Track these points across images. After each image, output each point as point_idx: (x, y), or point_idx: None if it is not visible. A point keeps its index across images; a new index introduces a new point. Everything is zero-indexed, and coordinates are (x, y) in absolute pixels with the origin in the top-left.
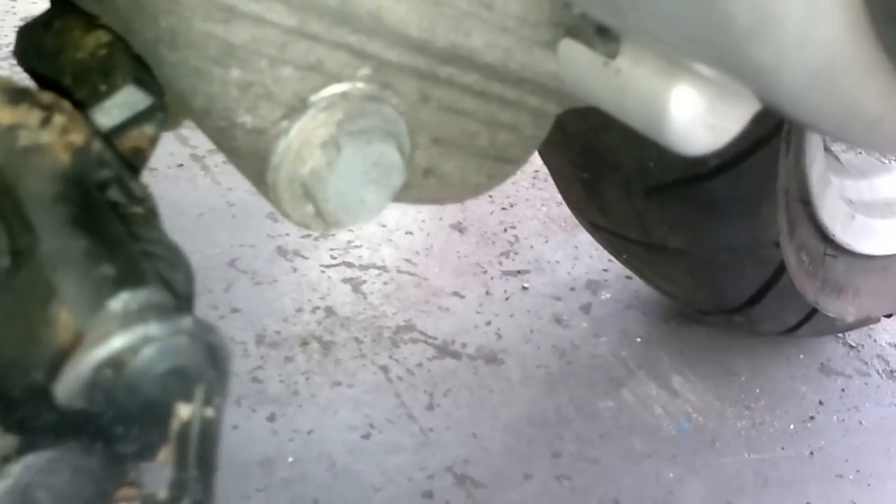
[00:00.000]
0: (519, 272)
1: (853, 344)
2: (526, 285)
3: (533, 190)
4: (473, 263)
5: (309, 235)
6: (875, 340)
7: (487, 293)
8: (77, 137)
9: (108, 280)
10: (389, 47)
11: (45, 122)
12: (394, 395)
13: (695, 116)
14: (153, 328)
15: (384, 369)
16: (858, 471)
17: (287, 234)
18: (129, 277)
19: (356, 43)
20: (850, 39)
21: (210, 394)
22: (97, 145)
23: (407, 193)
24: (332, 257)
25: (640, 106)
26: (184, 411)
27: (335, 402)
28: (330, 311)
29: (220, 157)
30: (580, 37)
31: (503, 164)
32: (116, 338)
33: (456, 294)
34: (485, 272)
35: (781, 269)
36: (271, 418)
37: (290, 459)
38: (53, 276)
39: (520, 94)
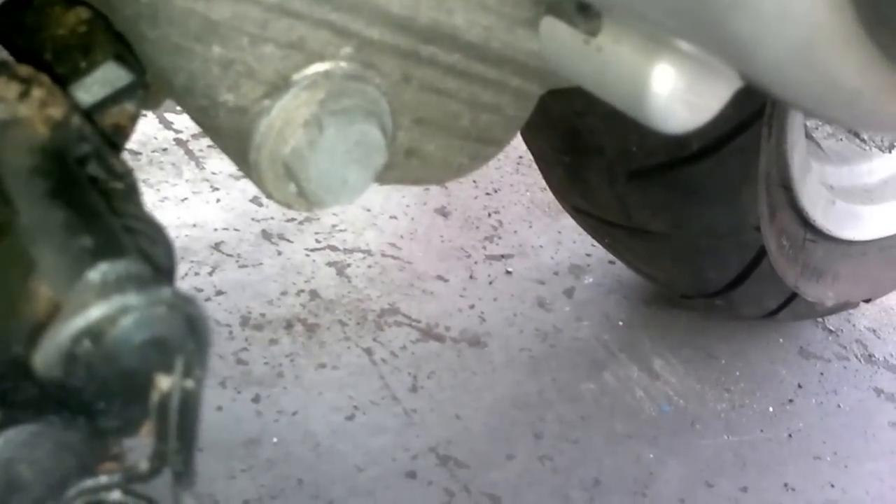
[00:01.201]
0: (503, 256)
1: (832, 328)
2: (509, 269)
3: (517, 175)
4: (457, 248)
5: (294, 219)
6: (854, 325)
7: (471, 277)
8: (56, 111)
9: (87, 251)
10: (371, 25)
11: (24, 96)
12: (378, 377)
13: (675, 94)
14: (131, 298)
15: (368, 352)
16: (836, 453)
17: (272, 218)
18: (107, 249)
19: (338, 21)
20: (828, 12)
21: (190, 365)
22: (76, 120)
23: (389, 174)
24: (317, 241)
25: (621, 84)
26: (164, 383)
27: (319, 384)
28: (314, 295)
29: (204, 142)
30: (561, 14)
31: (485, 144)
32: (95, 307)
33: (440, 278)
34: (469, 256)
35: (762, 253)
36: (256, 399)
37: (275, 440)
38: (32, 249)
39: (502, 74)
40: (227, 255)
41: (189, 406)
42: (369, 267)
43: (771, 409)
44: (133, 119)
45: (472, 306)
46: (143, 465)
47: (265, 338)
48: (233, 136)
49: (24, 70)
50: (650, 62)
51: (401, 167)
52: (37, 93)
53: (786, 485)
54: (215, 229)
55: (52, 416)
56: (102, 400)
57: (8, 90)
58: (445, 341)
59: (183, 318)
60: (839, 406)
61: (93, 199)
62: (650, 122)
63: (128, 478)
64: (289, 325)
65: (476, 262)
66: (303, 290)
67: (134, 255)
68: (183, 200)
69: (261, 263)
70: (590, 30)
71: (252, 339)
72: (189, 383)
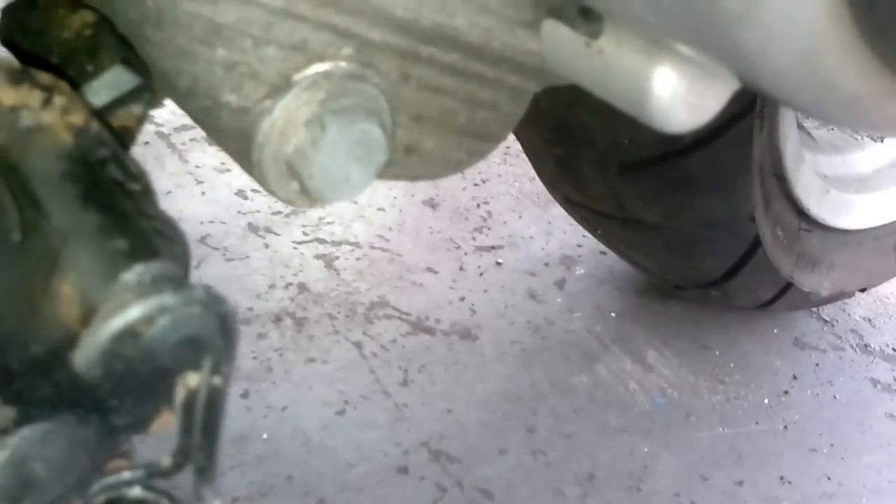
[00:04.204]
0: (493, 247)
1: (827, 318)
2: (500, 261)
3: (505, 166)
4: (447, 239)
5: (280, 212)
6: (849, 315)
7: (461, 269)
8: (77, 118)
9: (122, 253)
10: (373, 27)
11: (46, 103)
12: (368, 371)
13: (676, 96)
14: (168, 298)
15: (358, 345)
16: (832, 444)
17: (258, 211)
18: (141, 250)
19: (341, 23)
20: (830, 22)
21: (218, 362)
22: (95, 125)
23: (390, 170)
24: (305, 233)
25: (623, 86)
26: (192, 380)
27: (309, 379)
28: (303, 288)
29: (186, 135)
30: (563, 17)
31: (483, 140)
32: (133, 308)
33: (429, 270)
34: (458, 248)
35: (756, 243)
36: (245, 395)
37: (265, 436)
38: (64, 251)
39: (499, 72)
40: (214, 248)
41: (215, 402)
42: (358, 259)
43: (766, 400)
44: (140, 121)
45: (462, 298)
46: (166, 462)
47: (253, 332)
48: (235, 136)
49: (45, 78)
50: (652, 65)
51: (400, 163)
52: (58, 100)
53: (782, 477)
54: (201, 222)
55: (65, 413)
56: (117, 397)
57: (31, 98)
58: (436, 334)
59: (215, 317)
60: (835, 397)
61: (122, 201)
62: (652, 123)
63: (150, 474)
64: (277, 319)
65: (466, 254)
66: (291, 284)
67: (167, 256)
68: (167, 194)
69: (248, 257)
70: (591, 33)
71: (240, 333)
72: (216, 380)
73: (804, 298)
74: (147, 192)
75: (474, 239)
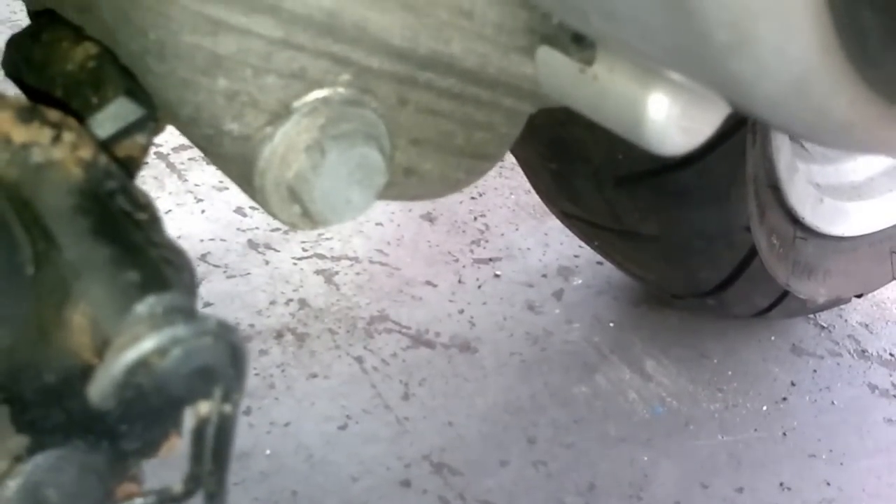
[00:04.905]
0: (490, 260)
1: (824, 325)
2: (498, 273)
3: (501, 179)
4: (445, 252)
5: (279, 228)
6: (846, 321)
7: (460, 281)
8: (86, 152)
9: (134, 285)
10: (371, 55)
11: (56, 139)
12: (369, 385)
13: (670, 121)
14: (181, 329)
15: (359, 360)
16: (831, 450)
17: (257, 228)
18: (153, 282)
19: (339, 52)
20: (821, 55)
21: (229, 391)
22: (103, 159)
23: (389, 191)
24: (304, 249)
25: (617, 111)
26: (203, 408)
27: (311, 394)
28: (303, 303)
29: (185, 154)
30: (557, 44)
31: (480, 160)
32: (147, 340)
33: (428, 283)
34: (456, 261)
35: (752, 252)
36: (247, 411)
37: (268, 452)
38: (77, 283)
39: (495, 95)
40: (214, 265)
41: (225, 430)
42: (357, 274)
43: (765, 407)
44: (144, 150)
45: (461, 311)
46: (178, 488)
47: (255, 349)
48: (238, 162)
49: (54, 115)
50: (645, 90)
51: (400, 184)
52: (67, 136)
53: (781, 484)
54: (201, 240)
55: (77, 440)
56: (128, 424)
57: (41, 135)
58: (436, 347)
59: (226, 347)
60: (833, 403)
61: (131, 233)
62: (646, 146)
63: (161, 500)
64: (279, 336)
65: (464, 267)
66: (291, 300)
67: (178, 287)
68: (167, 213)
69: (248, 273)
70: (585, 59)
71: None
72: (227, 407)
73: (801, 305)
74: (154, 220)
75: (472, 252)
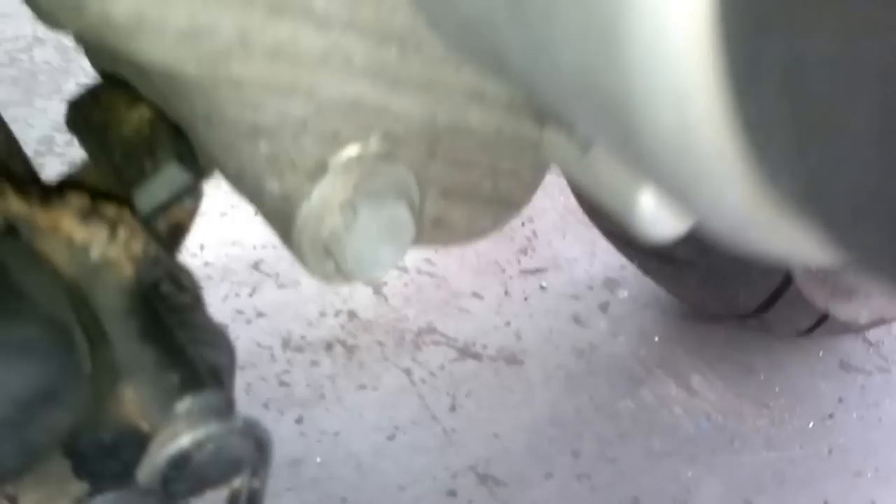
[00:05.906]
0: (537, 270)
1: (873, 340)
2: (544, 284)
3: (550, 176)
4: (492, 262)
5: None
6: (895, 336)
7: (506, 293)
8: (137, 247)
9: (175, 387)
10: (396, 123)
11: (112, 237)
12: (417, 396)
13: (660, 212)
14: (213, 428)
15: (407, 372)
16: (877, 469)
17: None
18: (191, 383)
19: (367, 121)
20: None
21: (256, 470)
22: (152, 248)
23: (417, 241)
24: None
25: (611, 196)
26: (235, 482)
27: (360, 405)
28: (352, 315)
29: None
30: (559, 126)
31: (507, 207)
32: (184, 437)
33: (475, 295)
34: (503, 271)
35: (790, 277)
36: (299, 420)
37: (318, 460)
38: (126, 382)
39: (518, 148)
40: (267, 274)
41: (255, 498)
42: (405, 285)
43: (811, 424)
44: (192, 214)
45: (507, 323)
46: None
47: (306, 359)
48: (279, 218)
49: (111, 211)
50: (637, 181)
51: (429, 235)
52: (122, 233)
53: (826, 502)
54: (254, 247)
55: (131, 484)
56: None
57: (98, 234)
58: (483, 360)
59: (253, 441)
60: (881, 420)
61: (174, 334)
62: (640, 234)
63: None
64: (329, 347)
65: (511, 277)
66: (341, 311)
67: (212, 386)
68: (222, 216)
69: (299, 283)
70: (583, 145)
71: (293, 360)
72: (255, 482)
73: (844, 326)
74: (196, 301)
75: (519, 262)
